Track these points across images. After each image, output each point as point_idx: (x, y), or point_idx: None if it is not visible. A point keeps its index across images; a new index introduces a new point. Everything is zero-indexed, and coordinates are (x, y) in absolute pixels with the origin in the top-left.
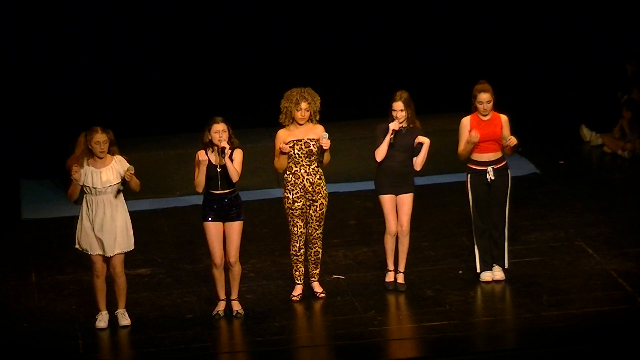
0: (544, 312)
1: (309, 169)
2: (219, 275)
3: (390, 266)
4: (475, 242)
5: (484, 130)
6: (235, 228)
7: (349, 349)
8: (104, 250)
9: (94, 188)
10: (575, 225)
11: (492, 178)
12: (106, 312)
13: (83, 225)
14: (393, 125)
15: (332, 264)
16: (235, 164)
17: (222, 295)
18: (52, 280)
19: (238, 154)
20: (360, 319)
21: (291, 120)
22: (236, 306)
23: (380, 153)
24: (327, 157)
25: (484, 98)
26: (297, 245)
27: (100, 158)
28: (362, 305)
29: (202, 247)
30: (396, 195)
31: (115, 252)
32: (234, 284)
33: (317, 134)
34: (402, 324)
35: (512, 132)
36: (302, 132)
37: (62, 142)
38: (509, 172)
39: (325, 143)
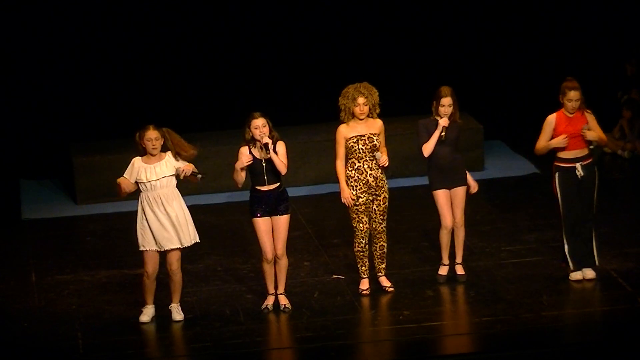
0: (544, 312)
1: (372, 164)
2: (269, 269)
3: (445, 260)
4: (566, 241)
5: (571, 128)
6: (282, 222)
7: (349, 349)
8: (161, 245)
9: (149, 182)
10: None
11: (582, 174)
12: (152, 305)
13: (142, 224)
14: (443, 122)
15: (332, 264)
16: (280, 157)
17: (272, 290)
18: (52, 280)
19: (281, 147)
20: (360, 319)
21: (351, 117)
22: (283, 300)
23: (429, 148)
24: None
25: (574, 96)
26: (363, 241)
27: (153, 155)
28: (362, 305)
29: (202, 247)
30: (449, 189)
31: (175, 247)
32: (281, 277)
33: (378, 128)
34: (402, 324)
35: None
36: (364, 127)
37: (62, 142)
38: (595, 169)
39: (383, 161)
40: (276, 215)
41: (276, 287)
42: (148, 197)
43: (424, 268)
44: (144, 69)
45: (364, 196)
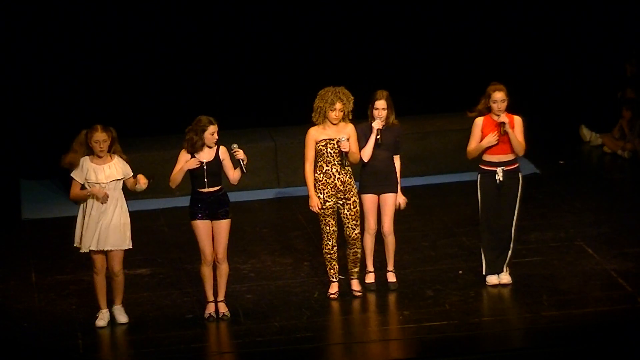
0: (544, 312)
1: (340, 168)
2: (208, 273)
3: (370, 267)
4: (482, 244)
5: (497, 131)
6: (223, 226)
7: (349, 349)
8: (99, 245)
9: (98, 183)
10: (575, 225)
11: (501, 179)
12: (107, 310)
13: (84, 222)
14: (377, 125)
15: None
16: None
17: (211, 297)
18: (52, 280)
19: (226, 154)
20: (360, 319)
21: (323, 119)
22: (222, 308)
23: (367, 153)
24: (354, 157)
25: (498, 97)
26: (330, 243)
27: (100, 157)
28: (362, 305)
29: None
30: (379, 195)
31: (111, 248)
32: (221, 284)
33: (348, 132)
34: (402, 324)
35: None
36: (334, 131)
37: (62, 142)
38: (520, 175)
39: (344, 146)
40: (216, 219)
41: (216, 295)
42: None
43: (424, 268)
44: (144, 69)
45: (332, 200)
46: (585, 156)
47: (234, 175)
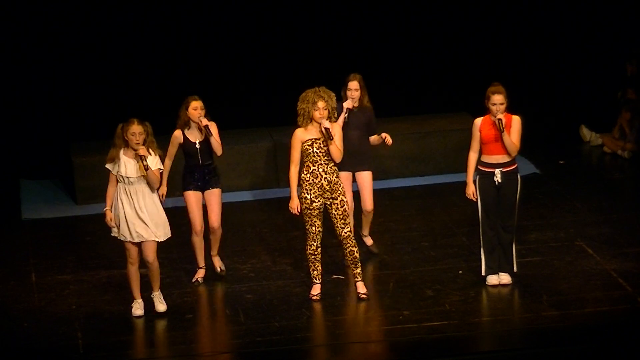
0: (544, 312)
1: (327, 168)
2: (199, 242)
3: (365, 232)
4: (481, 245)
5: (494, 132)
6: (215, 194)
7: (349, 349)
8: (133, 237)
9: (127, 177)
10: (575, 225)
11: (500, 181)
12: (141, 300)
13: (118, 214)
14: (347, 104)
15: (332, 264)
16: (215, 137)
17: (202, 263)
18: (52, 280)
19: (214, 127)
20: (360, 319)
21: (309, 121)
22: (217, 262)
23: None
24: (335, 150)
25: (497, 100)
26: (315, 244)
27: (135, 150)
28: (362, 306)
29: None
30: (354, 172)
31: (144, 239)
32: (215, 244)
33: (333, 132)
34: (402, 324)
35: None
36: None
37: (62, 142)
38: (518, 176)
39: (325, 124)
40: (208, 189)
41: (209, 257)
42: (127, 190)
43: (424, 268)
44: (143, 69)
45: (319, 200)
46: (585, 156)
47: (215, 146)
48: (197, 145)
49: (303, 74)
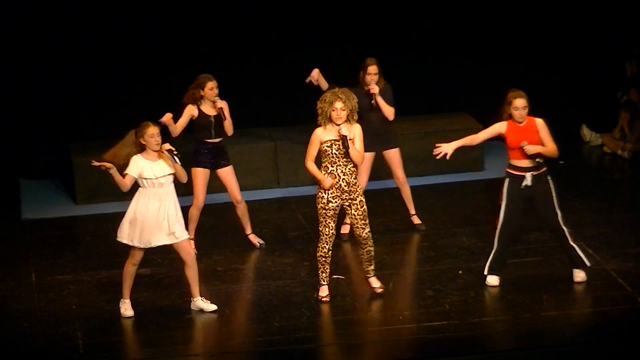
0: (544, 312)
1: (345, 169)
2: (196, 215)
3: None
4: (495, 246)
5: (522, 137)
6: (229, 171)
7: (349, 349)
8: (150, 242)
9: (157, 179)
10: (575, 225)
11: (528, 184)
12: (129, 300)
13: (136, 219)
14: (374, 90)
15: (332, 264)
16: (229, 119)
17: (192, 235)
18: (52, 280)
19: (226, 108)
20: (360, 319)
21: (328, 121)
22: (254, 239)
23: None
24: (355, 153)
25: (520, 104)
26: (327, 246)
27: (156, 151)
28: (362, 306)
29: (202, 247)
30: (381, 152)
31: (178, 239)
32: (245, 220)
33: (354, 133)
34: (402, 324)
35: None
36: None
37: (62, 142)
38: (549, 178)
39: (344, 131)
40: (220, 168)
41: (244, 230)
42: (157, 193)
43: (424, 268)
44: (143, 69)
45: (336, 201)
46: (585, 156)
47: (227, 126)
48: (212, 119)
49: (303, 74)
